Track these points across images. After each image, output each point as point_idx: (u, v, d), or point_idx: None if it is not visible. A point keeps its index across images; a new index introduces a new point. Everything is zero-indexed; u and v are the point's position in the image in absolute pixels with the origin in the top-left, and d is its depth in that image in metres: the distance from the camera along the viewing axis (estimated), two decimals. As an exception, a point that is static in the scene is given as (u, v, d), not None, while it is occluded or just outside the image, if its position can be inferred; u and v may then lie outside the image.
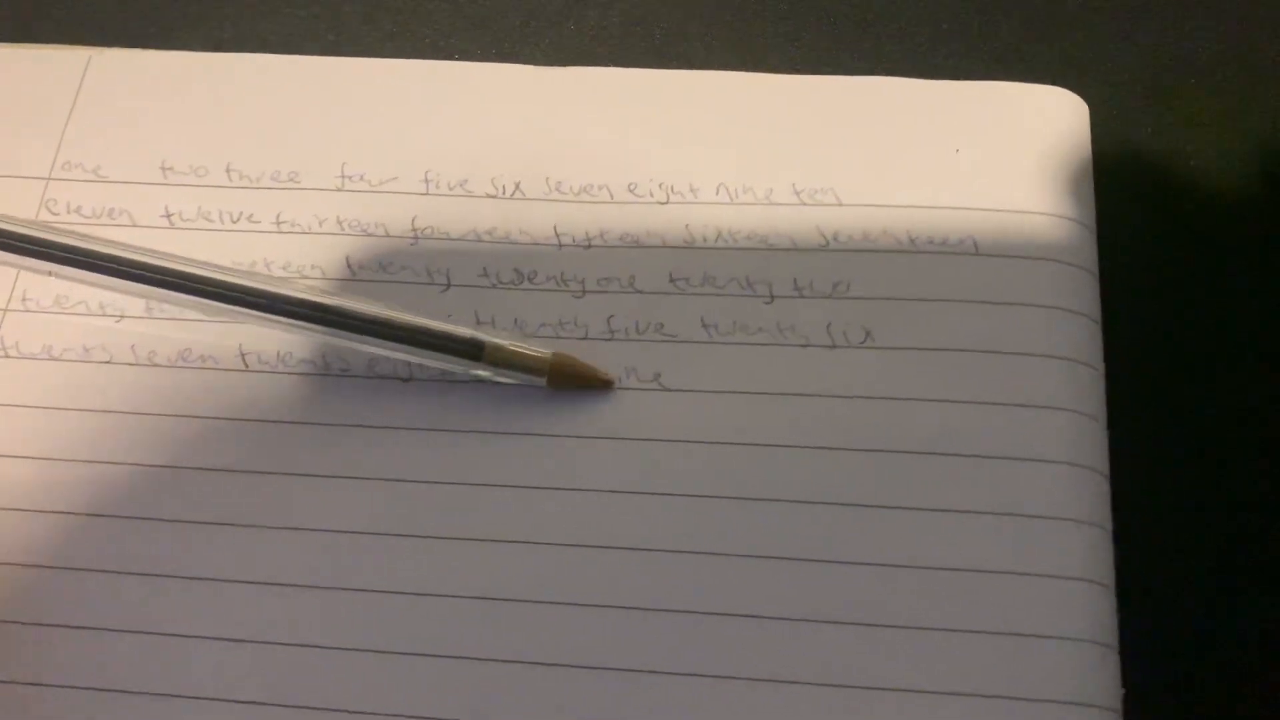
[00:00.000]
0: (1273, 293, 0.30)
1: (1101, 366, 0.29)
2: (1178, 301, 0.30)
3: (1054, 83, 0.32)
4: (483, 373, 0.28)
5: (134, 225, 0.31)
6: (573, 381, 0.28)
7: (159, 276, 0.29)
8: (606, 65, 0.33)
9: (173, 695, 0.26)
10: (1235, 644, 0.27)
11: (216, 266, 0.29)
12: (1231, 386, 0.29)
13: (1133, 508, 0.28)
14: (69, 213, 0.31)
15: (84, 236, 0.30)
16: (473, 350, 0.28)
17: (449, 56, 0.34)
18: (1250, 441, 0.29)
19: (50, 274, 0.30)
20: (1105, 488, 0.28)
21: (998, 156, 0.30)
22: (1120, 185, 0.31)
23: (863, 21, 0.34)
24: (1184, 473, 0.29)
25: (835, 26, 0.34)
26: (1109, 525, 0.27)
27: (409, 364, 0.29)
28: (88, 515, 0.28)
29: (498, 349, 0.28)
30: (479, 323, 0.30)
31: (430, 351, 0.28)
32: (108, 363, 0.30)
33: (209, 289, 0.29)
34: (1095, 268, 0.30)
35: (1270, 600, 0.27)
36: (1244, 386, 0.29)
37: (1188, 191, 0.32)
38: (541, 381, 0.28)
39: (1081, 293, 0.29)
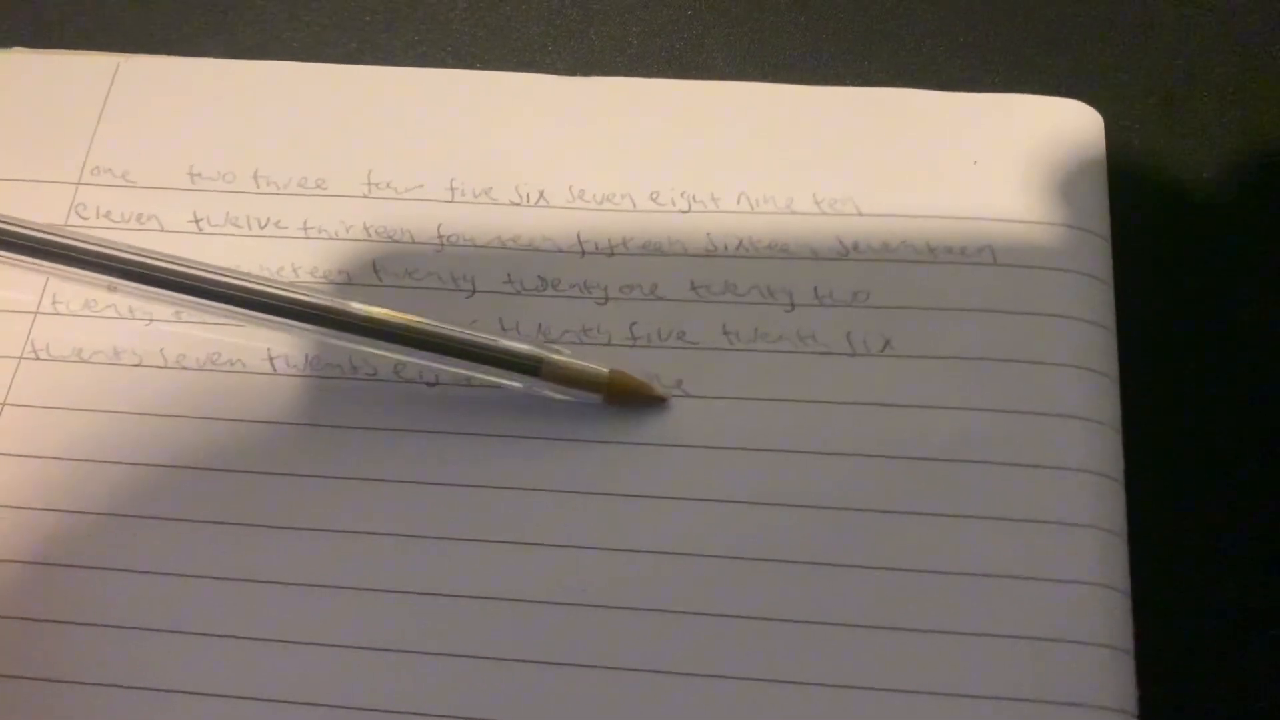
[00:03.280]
0: (1284, 303, 0.31)
1: (1116, 374, 0.29)
2: (1191, 310, 0.31)
3: (1069, 95, 0.32)
4: (540, 389, 0.29)
5: (162, 230, 0.32)
6: (629, 398, 0.29)
7: (233, 294, 0.29)
8: (626, 75, 0.34)
9: (200, 694, 0.27)
10: (1250, 648, 0.28)
11: (279, 282, 0.30)
12: (1245, 393, 0.30)
13: (1148, 513, 0.28)
14: (98, 217, 0.32)
15: (116, 245, 0.30)
16: (530, 366, 0.28)
17: (470, 65, 0.35)
18: (1265, 447, 0.29)
19: (79, 280, 0.30)
20: (1120, 494, 0.28)
21: (1014, 167, 0.31)
22: (1135, 195, 0.32)
23: (881, 34, 0.35)
24: (1199, 478, 0.29)
25: (853, 38, 0.35)
26: (1124, 531, 0.28)
27: (457, 375, 0.29)
28: (116, 516, 0.29)
29: (555, 365, 0.28)
30: (503, 329, 0.30)
31: (488, 367, 0.29)
32: (137, 365, 0.30)
33: (269, 302, 0.29)
34: (1110, 277, 0.30)
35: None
36: (1258, 393, 0.30)
37: (1201, 201, 0.32)
38: (598, 398, 0.29)
39: (1096, 302, 0.30)
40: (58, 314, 0.31)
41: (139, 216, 0.32)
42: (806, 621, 0.27)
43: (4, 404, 0.30)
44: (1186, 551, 0.28)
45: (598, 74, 0.34)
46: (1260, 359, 0.30)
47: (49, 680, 0.27)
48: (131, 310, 0.31)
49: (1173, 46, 0.34)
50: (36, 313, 0.31)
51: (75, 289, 0.31)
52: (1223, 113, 0.33)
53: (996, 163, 0.31)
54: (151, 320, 0.31)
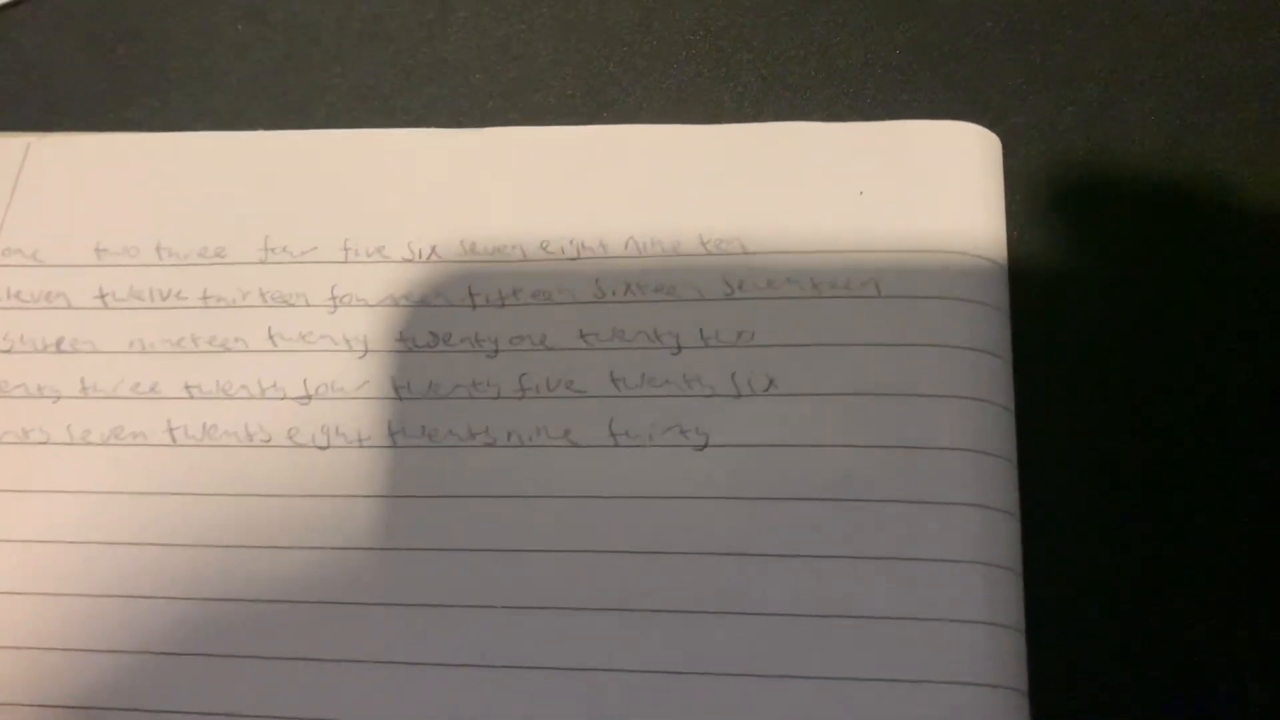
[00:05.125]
0: (1188, 326, 0.30)
1: (1011, 404, 0.28)
2: (1094, 337, 0.30)
3: (972, 118, 0.31)
4: None
5: (70, 307, 0.32)
6: None
7: None
8: (517, 125, 0.33)
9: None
10: (1142, 626, 0.27)
11: None
12: (1148, 421, 0.29)
13: (1044, 556, 0.27)
14: (8, 298, 0.32)
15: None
16: None
17: (401, 121, 0.34)
18: (1166, 476, 0.28)
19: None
20: (1016, 528, 0.27)
21: (905, 196, 0.30)
22: (1037, 220, 0.31)
23: (790, 62, 0.34)
24: (1098, 510, 0.28)
25: (761, 72, 0.34)
26: (1019, 568, 0.27)
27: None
28: (22, 595, 0.29)
29: None
30: (395, 389, 0.30)
31: None
32: (44, 444, 0.31)
33: None
34: (1005, 304, 0.29)
35: (1177, 589, 0.27)
36: (1161, 421, 0.29)
37: (1106, 225, 0.31)
38: None
39: (989, 330, 0.29)
40: (-32, 396, 0.32)
41: (47, 295, 0.32)
42: (697, 672, 0.26)
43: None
44: (1082, 584, 0.27)
45: (488, 124, 0.33)
46: (1164, 386, 0.29)
47: None
48: (40, 389, 0.31)
49: (1071, 65, 0.33)
50: (-56, 397, 0.32)
51: (-16, 370, 0.32)
52: (1144, 117, 0.32)
53: (884, 192, 0.30)
54: (59, 398, 0.31)
